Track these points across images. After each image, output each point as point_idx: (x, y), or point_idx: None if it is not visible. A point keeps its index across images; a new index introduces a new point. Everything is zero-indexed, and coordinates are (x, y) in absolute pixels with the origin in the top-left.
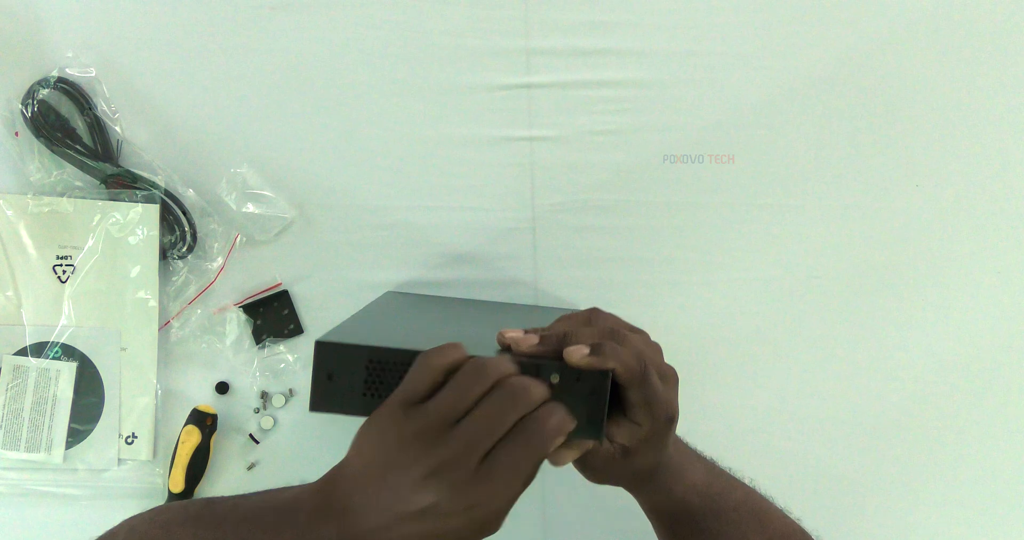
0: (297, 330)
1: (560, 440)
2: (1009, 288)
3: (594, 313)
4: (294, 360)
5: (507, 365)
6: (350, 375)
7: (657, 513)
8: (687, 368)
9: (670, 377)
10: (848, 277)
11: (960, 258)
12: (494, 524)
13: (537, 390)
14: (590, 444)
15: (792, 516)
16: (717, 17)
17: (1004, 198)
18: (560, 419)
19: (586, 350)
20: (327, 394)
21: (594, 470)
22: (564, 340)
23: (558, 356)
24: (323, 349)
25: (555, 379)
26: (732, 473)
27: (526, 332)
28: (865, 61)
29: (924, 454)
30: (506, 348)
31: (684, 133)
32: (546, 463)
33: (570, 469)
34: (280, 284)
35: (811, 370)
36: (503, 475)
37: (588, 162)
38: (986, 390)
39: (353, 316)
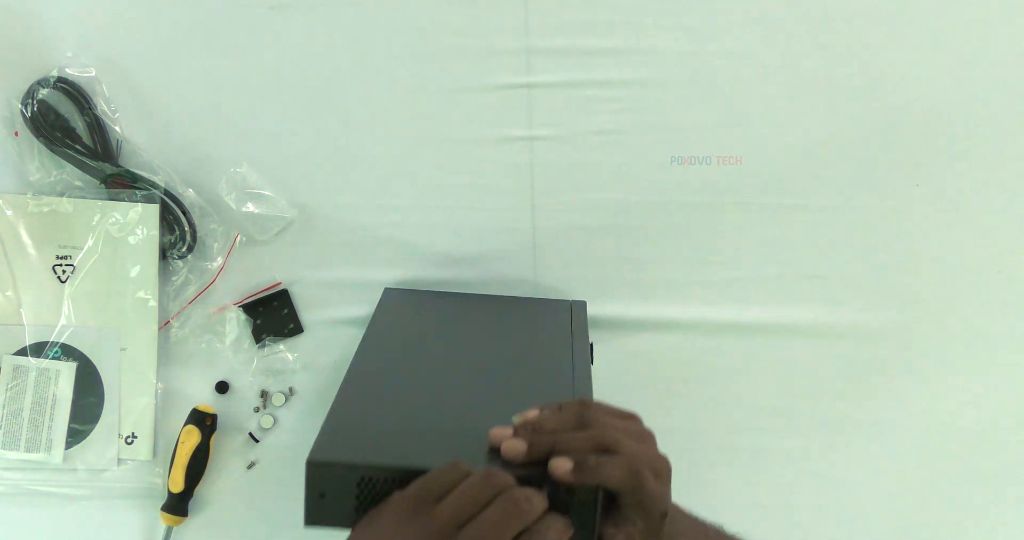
0: (297, 329)
1: None
2: (1010, 288)
3: (584, 408)
4: (294, 359)
5: (510, 477)
6: (342, 493)
7: None
8: (688, 366)
9: (663, 472)
10: (848, 277)
11: (961, 257)
12: None
13: (538, 503)
14: None
15: None
16: (718, 17)
17: (1004, 198)
18: (558, 532)
19: (570, 465)
20: (321, 511)
21: None
22: (552, 447)
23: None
24: (314, 470)
25: (545, 491)
26: None
27: (515, 430)
28: (866, 61)
29: (926, 453)
30: (497, 449)
31: (686, 134)
32: None
33: None
34: (280, 284)
35: (811, 370)
36: None
37: (588, 162)
38: (987, 388)
39: (349, 369)
